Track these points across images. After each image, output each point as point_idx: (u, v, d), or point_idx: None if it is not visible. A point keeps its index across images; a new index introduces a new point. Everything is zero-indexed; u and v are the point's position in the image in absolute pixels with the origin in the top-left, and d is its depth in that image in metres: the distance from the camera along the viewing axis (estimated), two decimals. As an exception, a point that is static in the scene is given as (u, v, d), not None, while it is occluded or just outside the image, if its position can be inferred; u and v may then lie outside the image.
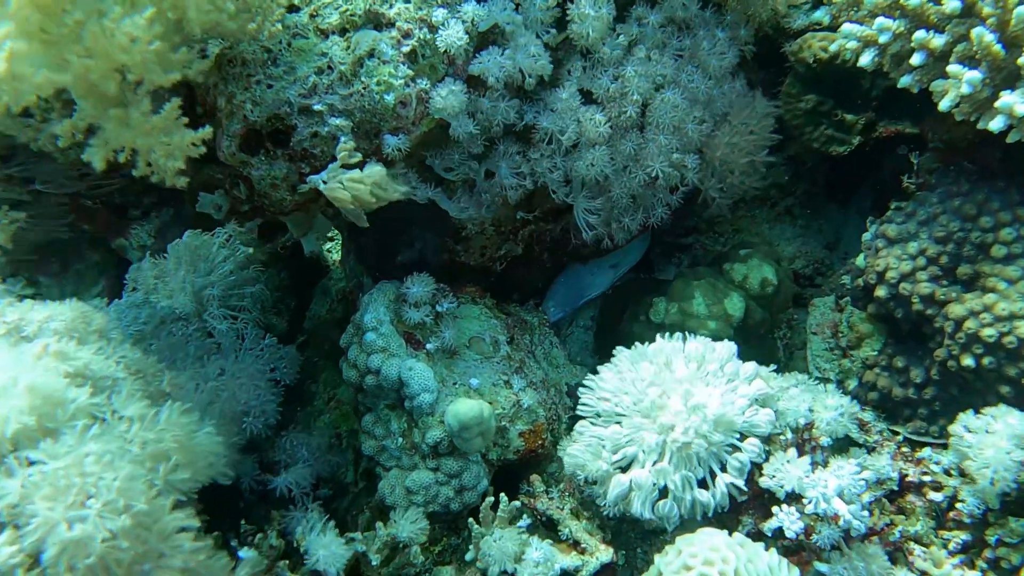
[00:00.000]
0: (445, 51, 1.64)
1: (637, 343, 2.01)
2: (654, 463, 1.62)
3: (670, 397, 1.65)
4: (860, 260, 1.95)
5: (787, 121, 2.18)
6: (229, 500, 1.83)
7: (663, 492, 1.63)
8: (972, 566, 1.62)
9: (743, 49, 1.98)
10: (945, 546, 1.66)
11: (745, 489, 1.63)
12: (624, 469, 1.66)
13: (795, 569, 1.45)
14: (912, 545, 1.68)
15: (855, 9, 1.73)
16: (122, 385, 1.18)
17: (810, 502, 1.57)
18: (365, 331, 1.75)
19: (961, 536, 1.64)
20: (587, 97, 1.87)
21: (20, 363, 1.12)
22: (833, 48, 1.84)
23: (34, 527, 0.99)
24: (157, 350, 1.74)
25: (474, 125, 1.74)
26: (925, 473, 1.73)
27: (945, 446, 1.74)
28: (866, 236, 1.96)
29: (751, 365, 1.76)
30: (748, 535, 1.62)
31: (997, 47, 1.49)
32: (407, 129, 1.64)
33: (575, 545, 1.70)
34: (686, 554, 1.44)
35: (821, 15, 1.79)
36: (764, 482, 1.64)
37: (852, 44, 1.71)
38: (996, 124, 1.51)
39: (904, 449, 1.82)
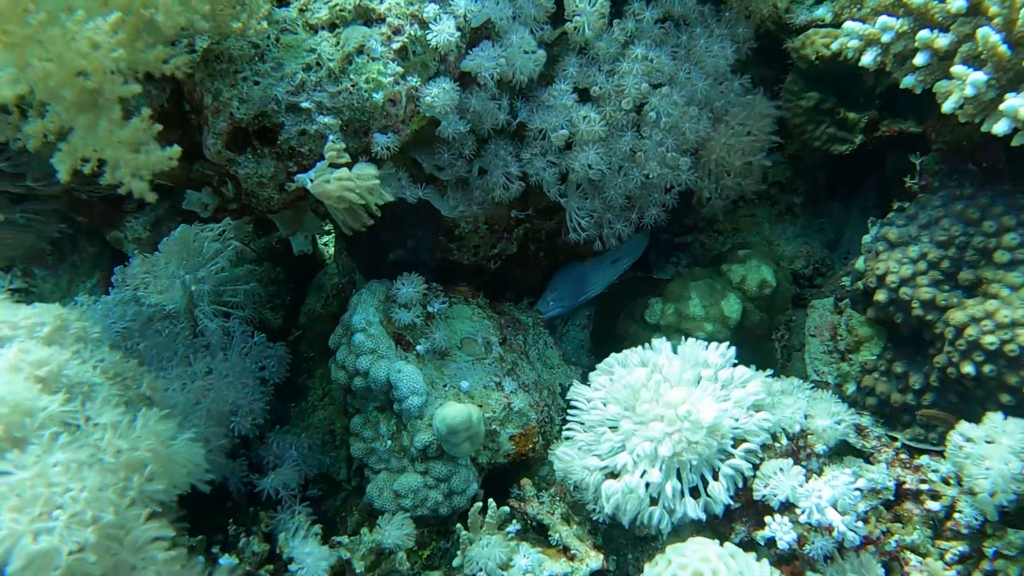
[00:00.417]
0: (436, 48, 1.60)
1: (631, 345, 1.99)
2: (645, 470, 1.59)
3: (663, 403, 1.62)
4: (860, 263, 1.91)
5: (788, 119, 2.14)
6: (216, 500, 1.81)
7: (654, 499, 1.60)
8: (969, 577, 1.59)
9: (742, 46, 1.93)
10: (942, 556, 1.63)
11: (731, 503, 1.60)
12: (615, 475, 1.64)
13: (787, 580, 1.43)
14: (908, 555, 1.65)
15: (858, 6, 1.69)
16: (98, 391, 1.16)
17: (804, 512, 1.54)
18: (354, 332, 1.72)
19: (958, 547, 1.61)
20: (582, 95, 1.84)
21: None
22: (835, 46, 1.80)
23: (-1, 539, 0.97)
24: (143, 349, 1.71)
25: (465, 123, 1.70)
26: (923, 481, 1.69)
27: (944, 453, 1.71)
28: (866, 238, 1.92)
29: (746, 370, 1.73)
30: (741, 544, 1.59)
31: (1003, 48, 1.44)
32: (396, 128, 1.61)
33: (565, 551, 1.68)
34: (676, 564, 1.41)
35: (823, 12, 1.74)
36: (757, 490, 1.61)
37: (854, 43, 1.66)
38: (1001, 127, 1.47)
39: (902, 456, 1.79)
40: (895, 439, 1.83)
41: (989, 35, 1.44)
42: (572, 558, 1.66)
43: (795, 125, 2.15)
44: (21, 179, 2.36)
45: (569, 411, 1.76)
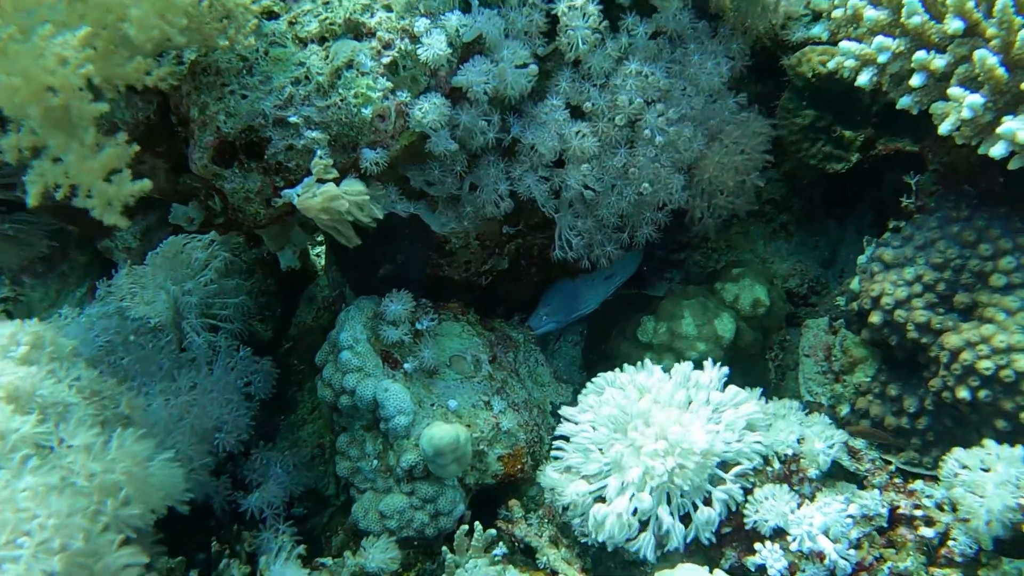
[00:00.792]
0: (426, 62, 1.58)
1: (622, 363, 1.96)
2: (634, 494, 1.56)
3: (652, 426, 1.59)
4: (855, 283, 1.89)
5: (784, 137, 2.12)
6: (200, 519, 1.78)
7: (643, 524, 1.57)
8: (963, 606, 1.57)
9: (737, 63, 1.92)
10: (935, 584, 1.60)
11: (724, 521, 1.58)
12: (604, 499, 1.61)
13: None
14: (901, 582, 1.62)
15: (854, 26, 1.67)
16: (73, 411, 1.13)
17: (795, 539, 1.52)
18: (341, 349, 1.70)
19: (953, 575, 1.58)
20: (576, 111, 1.82)
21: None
22: (831, 65, 1.78)
23: (-35, 567, 0.94)
24: (127, 363, 1.69)
25: (456, 140, 1.68)
26: (917, 507, 1.67)
27: (937, 479, 1.68)
28: (862, 259, 1.90)
29: (738, 391, 1.70)
30: (731, 570, 1.57)
31: (1000, 70, 1.42)
32: (386, 143, 1.59)
33: (553, 575, 1.65)
34: (664, 592, 1.38)
35: (820, 30, 1.73)
36: (748, 516, 1.58)
37: (850, 62, 1.64)
38: (998, 150, 1.45)
39: (896, 480, 1.76)
40: (889, 462, 1.81)
41: (986, 57, 1.43)
42: (559, 582, 1.63)
43: (791, 143, 2.13)
44: (11, 189, 2.34)
45: (559, 431, 1.73)
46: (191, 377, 1.69)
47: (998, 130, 1.43)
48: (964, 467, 1.51)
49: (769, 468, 1.65)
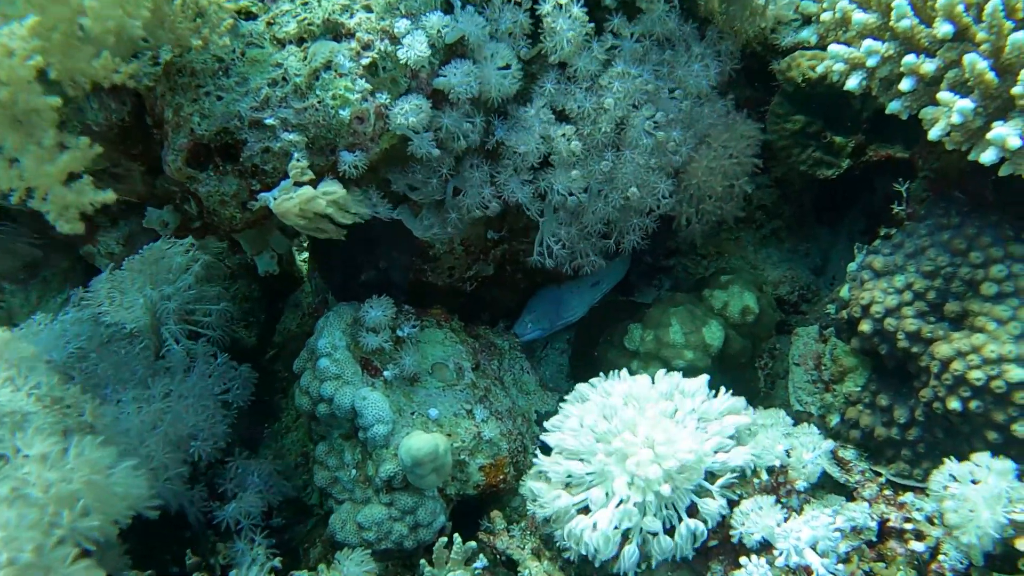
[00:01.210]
0: (407, 64, 1.55)
1: (609, 372, 1.93)
2: (618, 505, 1.52)
3: (637, 436, 1.55)
4: (845, 291, 1.86)
5: (773, 142, 2.09)
6: (175, 529, 1.74)
7: (626, 535, 1.54)
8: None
9: (726, 66, 1.89)
10: (926, 600, 1.57)
11: (710, 534, 1.54)
12: (588, 509, 1.57)
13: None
14: (891, 597, 1.58)
15: (843, 29, 1.64)
16: (31, 420, 1.09)
17: (781, 553, 1.48)
18: (319, 357, 1.66)
19: (943, 590, 1.55)
20: (561, 114, 1.78)
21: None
22: (820, 69, 1.75)
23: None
24: (100, 370, 1.65)
25: (438, 142, 1.65)
26: (908, 520, 1.63)
27: (927, 491, 1.65)
28: (851, 266, 1.87)
29: (725, 401, 1.67)
30: (716, 584, 1.53)
31: (990, 75, 1.39)
32: (364, 146, 1.55)
33: (534, 588, 1.61)
34: (646, 608, 1.34)
35: (808, 34, 1.70)
36: (735, 529, 1.54)
37: (839, 66, 1.62)
38: (988, 156, 1.42)
39: (886, 492, 1.73)
40: (879, 474, 1.77)
41: (976, 62, 1.40)
42: (541, 596, 1.60)
43: (780, 148, 2.10)
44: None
45: (542, 440, 1.69)
46: (165, 384, 1.65)
47: (988, 136, 1.40)
48: (954, 480, 1.47)
49: (756, 479, 1.61)
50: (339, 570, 1.52)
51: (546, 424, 1.72)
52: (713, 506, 1.54)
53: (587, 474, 1.58)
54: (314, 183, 1.51)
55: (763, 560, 1.49)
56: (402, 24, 1.55)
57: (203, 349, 1.84)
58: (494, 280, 2.06)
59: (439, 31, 1.57)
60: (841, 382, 1.89)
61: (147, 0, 1.15)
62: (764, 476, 1.62)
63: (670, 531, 1.54)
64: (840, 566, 1.50)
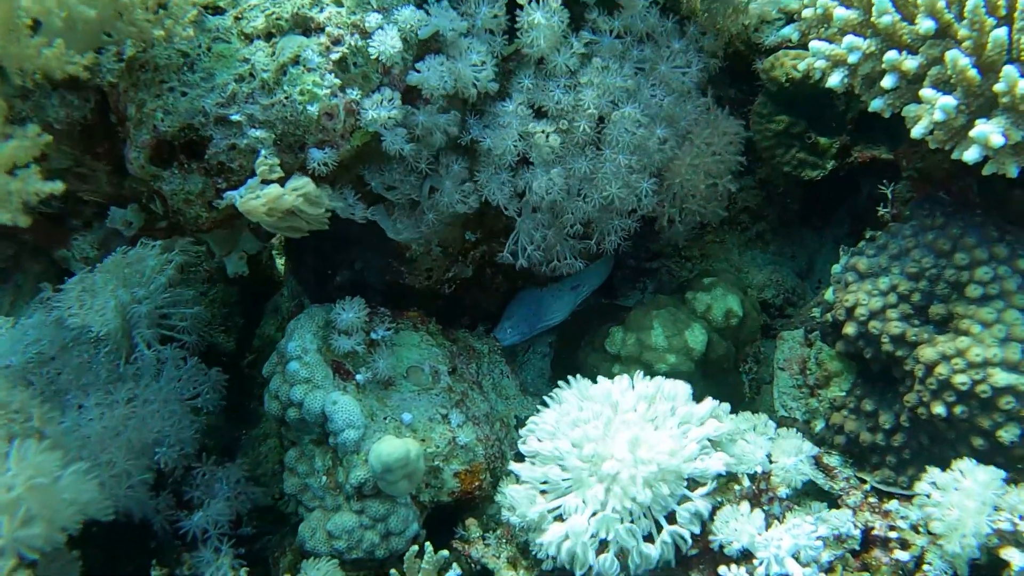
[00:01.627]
0: (378, 59, 1.51)
1: (590, 375, 1.89)
2: (594, 512, 1.48)
3: (615, 441, 1.51)
4: (829, 294, 1.83)
5: (757, 143, 2.06)
6: (139, 539, 1.69)
7: (604, 544, 1.49)
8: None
9: (709, 63, 1.85)
10: (911, 610, 1.53)
11: (690, 542, 1.50)
12: (563, 517, 1.53)
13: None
14: (875, 607, 1.55)
15: (825, 26, 1.61)
16: (-27, 426, 1.05)
17: (762, 563, 1.44)
18: (288, 360, 1.61)
19: (928, 601, 1.51)
20: (540, 111, 1.75)
21: None
22: (802, 67, 1.72)
23: None
24: (62, 375, 1.60)
25: (412, 140, 1.61)
26: (892, 528, 1.59)
27: (913, 499, 1.61)
28: (836, 268, 1.84)
29: (706, 406, 1.63)
30: (695, 594, 1.49)
31: (972, 72, 1.36)
32: (334, 143, 1.51)
33: (509, 599, 1.57)
34: (621, 620, 1.30)
35: (790, 31, 1.67)
36: (715, 536, 1.50)
37: (821, 63, 1.58)
38: (971, 155, 1.39)
39: (871, 499, 1.69)
40: (864, 481, 1.74)
41: (958, 58, 1.37)
42: (516, 607, 1.55)
43: (764, 149, 2.07)
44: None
45: (519, 445, 1.65)
46: (130, 389, 1.60)
47: (971, 133, 1.37)
48: (937, 488, 1.43)
49: (737, 486, 1.57)
50: (305, 580, 1.48)
51: (522, 430, 1.68)
52: (693, 513, 1.50)
53: (563, 480, 1.53)
54: (282, 181, 1.47)
55: (743, 569, 1.45)
56: (373, 19, 1.51)
57: (172, 353, 1.79)
58: (473, 282, 2.02)
59: (412, 26, 1.54)
60: (826, 387, 1.86)
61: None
62: (745, 482, 1.58)
63: (649, 538, 1.49)
64: (822, 575, 1.46)
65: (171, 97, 1.45)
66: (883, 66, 1.47)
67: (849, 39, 1.50)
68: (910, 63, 1.45)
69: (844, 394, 1.81)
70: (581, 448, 1.53)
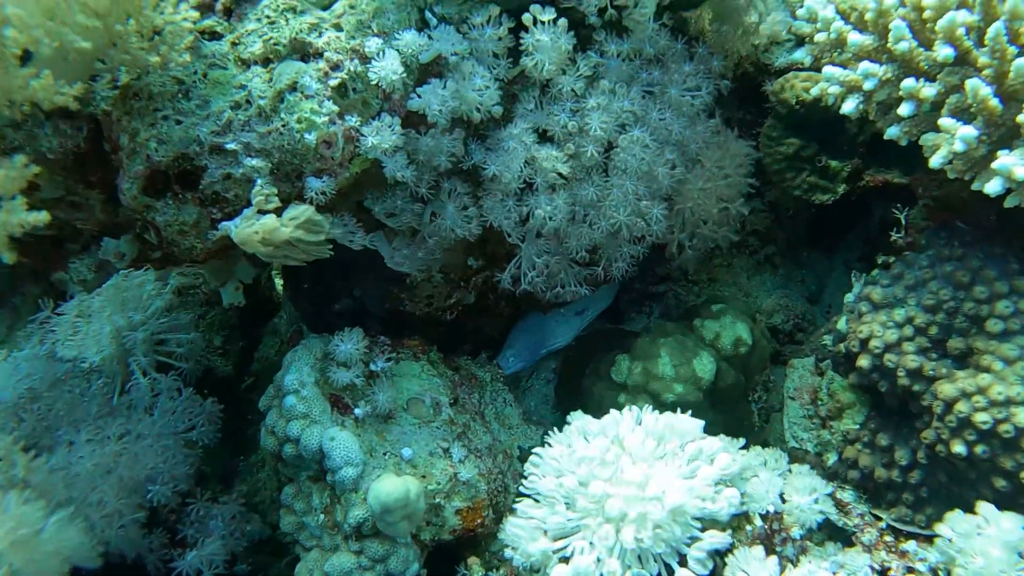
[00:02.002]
0: (378, 85, 1.47)
1: (595, 405, 1.85)
2: (600, 557, 1.43)
3: (623, 480, 1.46)
4: (842, 323, 1.77)
5: (767, 166, 2.01)
6: (132, 579, 1.64)
7: (611, 589, 1.44)
8: None
9: (719, 85, 1.81)
10: (930, 657, 1.47)
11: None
12: (567, 558, 1.47)
13: None
14: (893, 654, 1.49)
15: (838, 51, 1.56)
16: (-45, 478, 1.00)
17: (776, 611, 1.38)
18: (285, 394, 1.57)
19: (948, 648, 1.45)
20: (545, 136, 1.70)
21: None
22: (815, 92, 1.68)
23: None
24: (53, 411, 1.55)
25: (413, 166, 1.57)
26: (911, 571, 1.53)
27: (931, 539, 1.55)
28: (849, 297, 1.79)
29: (715, 441, 1.58)
30: (706, 641, 1.43)
31: (994, 101, 1.31)
32: (333, 171, 1.47)
33: (512, 643, 1.51)
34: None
35: (801, 55, 1.62)
36: (726, 581, 1.45)
37: (835, 89, 1.54)
38: (993, 187, 1.34)
39: (887, 538, 1.64)
40: (879, 518, 1.68)
41: (979, 87, 1.32)
42: (520, 652, 1.50)
43: (774, 172, 2.02)
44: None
45: (523, 482, 1.60)
46: (121, 424, 1.55)
47: (993, 165, 1.32)
48: (960, 534, 1.38)
49: (749, 526, 1.52)
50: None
51: (526, 465, 1.63)
52: (704, 555, 1.45)
53: (568, 520, 1.48)
54: (279, 211, 1.43)
55: (756, 617, 1.39)
56: (373, 43, 1.46)
57: (167, 384, 1.74)
58: (476, 309, 1.97)
59: (413, 50, 1.49)
60: (839, 419, 1.80)
61: (83, 8, 1.06)
62: (758, 522, 1.53)
63: (657, 583, 1.44)
64: (839, 623, 1.40)
65: (165, 126, 1.40)
66: (900, 93, 1.42)
67: (865, 65, 1.45)
68: (928, 91, 1.40)
69: (858, 427, 1.75)
70: (588, 486, 1.48)
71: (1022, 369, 1.43)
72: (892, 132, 1.48)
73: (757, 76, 2.01)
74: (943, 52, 1.37)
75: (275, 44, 1.45)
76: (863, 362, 1.63)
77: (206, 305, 2.35)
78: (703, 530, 1.48)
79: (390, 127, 1.49)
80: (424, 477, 1.58)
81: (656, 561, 1.45)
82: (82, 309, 2.09)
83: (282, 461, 1.61)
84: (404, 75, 1.48)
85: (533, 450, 1.61)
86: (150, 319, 2.09)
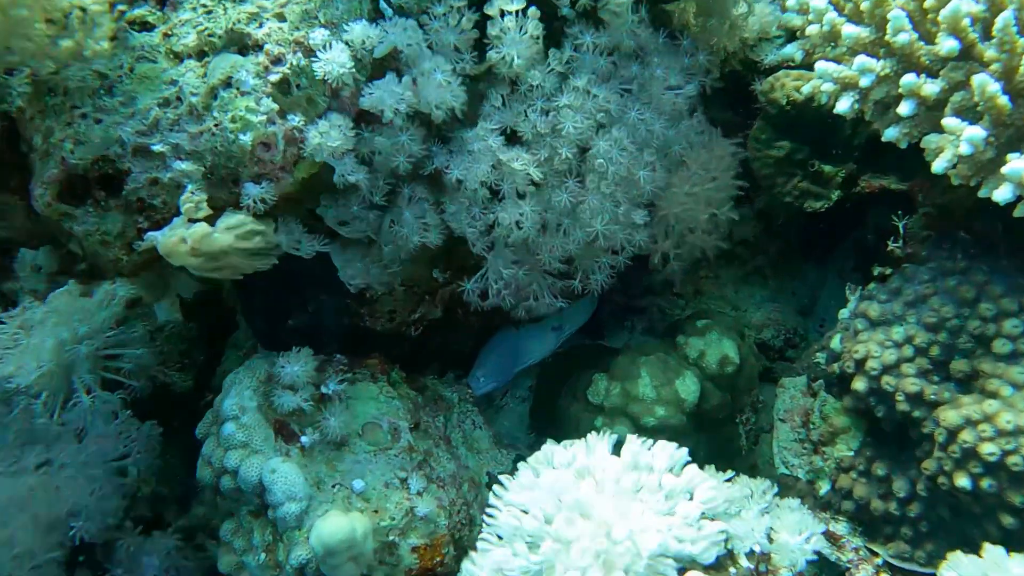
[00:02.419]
0: (324, 80, 1.33)
1: (571, 428, 1.71)
2: (569, 603, 1.28)
3: (592, 519, 1.32)
4: (836, 342, 1.64)
5: (756, 171, 1.88)
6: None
7: (580, 639, 1.29)
8: None
9: (704, 81, 1.67)
10: None
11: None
12: (534, 605, 1.33)
13: None
14: None
15: (832, 45, 1.43)
16: None
17: (762, 666, 1.24)
18: (223, 421, 1.42)
19: None
20: (513, 137, 1.57)
21: None
22: (806, 90, 1.55)
23: None
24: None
25: (366, 170, 1.43)
26: (910, 613, 1.40)
27: (933, 578, 1.42)
28: (843, 313, 1.66)
29: (697, 473, 1.43)
30: None
31: (1003, 99, 1.18)
32: (274, 176, 1.33)
33: None
34: None
35: (792, 50, 1.49)
36: (707, 629, 1.31)
37: (828, 86, 1.41)
38: (1002, 194, 1.21)
39: (884, 575, 1.50)
40: (876, 553, 1.55)
41: (987, 84, 1.19)
42: None
43: (764, 177, 1.89)
44: None
45: (485, 518, 1.45)
46: (40, 452, 1.41)
47: (1003, 170, 1.19)
48: (965, 578, 1.24)
49: (733, 568, 1.38)
50: None
51: (493, 491, 1.48)
52: (682, 601, 1.31)
53: (532, 563, 1.34)
54: (211, 219, 1.29)
55: (740, 673, 1.25)
56: (319, 35, 1.33)
57: (102, 406, 1.59)
58: (444, 324, 1.83)
59: (364, 42, 1.36)
60: (832, 444, 1.67)
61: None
62: (743, 563, 1.39)
63: (631, 633, 1.30)
64: None
65: (83, 124, 1.26)
66: (899, 90, 1.29)
67: (861, 60, 1.32)
68: (930, 88, 1.27)
69: (852, 454, 1.62)
70: (553, 525, 1.34)
71: (1034, 396, 1.30)
72: (891, 133, 1.35)
73: (745, 75, 1.88)
74: (947, 45, 1.24)
75: (210, 35, 1.31)
76: (859, 384, 1.50)
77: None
78: (683, 571, 1.34)
79: (339, 127, 1.35)
80: (377, 512, 1.44)
81: (630, 608, 1.30)
82: (24, 320, 1.95)
83: (220, 494, 1.46)
84: (354, 69, 1.34)
85: (495, 483, 1.46)
86: (96, 332, 1.94)
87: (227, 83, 1.28)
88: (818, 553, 1.49)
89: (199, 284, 1.74)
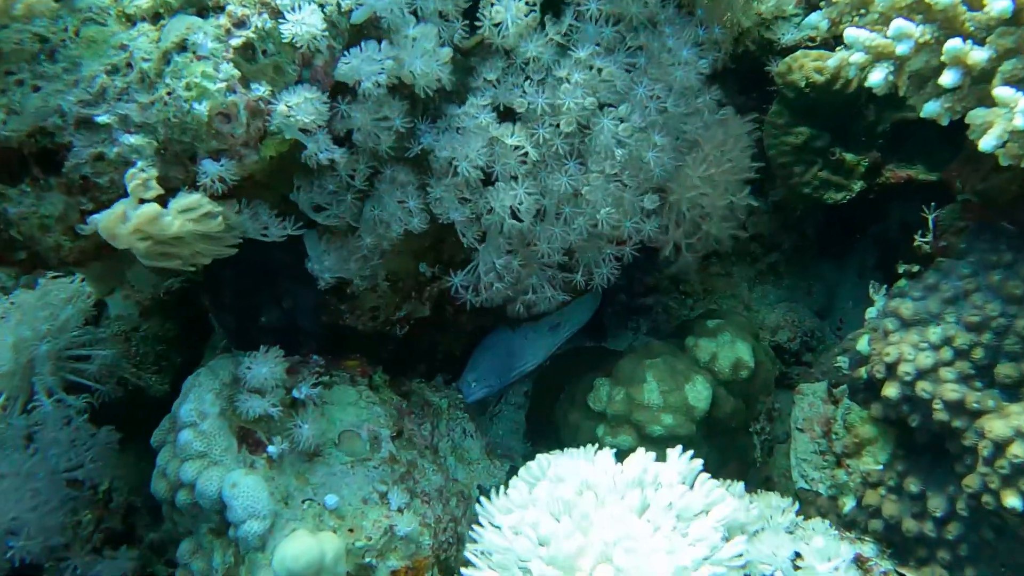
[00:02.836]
0: (294, 45, 1.18)
1: (570, 437, 1.56)
2: (566, 638, 1.13)
3: (591, 541, 1.16)
4: (863, 344, 1.49)
5: (772, 158, 1.73)
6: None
7: (579, 678, 1.14)
8: None
9: (717, 56, 1.52)
10: None
11: None
12: (527, 639, 1.18)
13: None
14: None
15: (860, 13, 1.28)
16: None
17: None
18: (180, 428, 1.27)
19: None
20: (508, 114, 1.42)
21: None
22: (832, 64, 1.40)
23: None
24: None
25: (344, 150, 1.28)
26: (948, 649, 1.25)
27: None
28: (871, 312, 1.51)
29: (713, 489, 1.28)
30: None
31: (1066, 64, 1.04)
32: (236, 152, 1.18)
33: None
34: None
35: (817, 19, 1.34)
36: (724, 668, 1.15)
37: (858, 57, 1.25)
38: (1063, 174, 1.06)
39: (917, 604, 1.35)
40: (907, 578, 1.40)
41: (1046, 47, 1.04)
42: None
43: (780, 166, 1.74)
44: None
45: (470, 541, 1.30)
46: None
47: (1065, 146, 1.04)
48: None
49: (753, 598, 1.22)
50: None
51: (479, 512, 1.33)
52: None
53: (526, 592, 1.18)
54: (163, 200, 1.14)
55: None
56: (288, -6, 1.18)
57: (54, 412, 1.44)
58: (432, 323, 1.68)
59: (339, 5, 1.21)
60: (857, 456, 1.52)
61: None
62: (764, 592, 1.23)
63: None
64: None
65: (18, 92, 1.12)
66: (943, 58, 1.14)
67: (898, 24, 1.17)
68: (978, 55, 1.12)
69: (881, 468, 1.47)
70: (549, 548, 1.18)
71: (1096, 405, 1.15)
72: (930, 108, 1.20)
73: (760, 55, 1.74)
74: (998, 6, 1.09)
75: (165, -6, 1.17)
76: (890, 391, 1.35)
77: (142, 316, 2.07)
78: (695, 602, 1.18)
79: (311, 99, 1.20)
80: (352, 531, 1.28)
81: (636, 643, 1.15)
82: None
83: (177, 510, 1.31)
84: (328, 34, 1.20)
85: (480, 498, 1.31)
86: (60, 331, 1.80)
87: (182, 47, 1.13)
88: (844, 577, 1.34)
89: (159, 276, 1.59)
